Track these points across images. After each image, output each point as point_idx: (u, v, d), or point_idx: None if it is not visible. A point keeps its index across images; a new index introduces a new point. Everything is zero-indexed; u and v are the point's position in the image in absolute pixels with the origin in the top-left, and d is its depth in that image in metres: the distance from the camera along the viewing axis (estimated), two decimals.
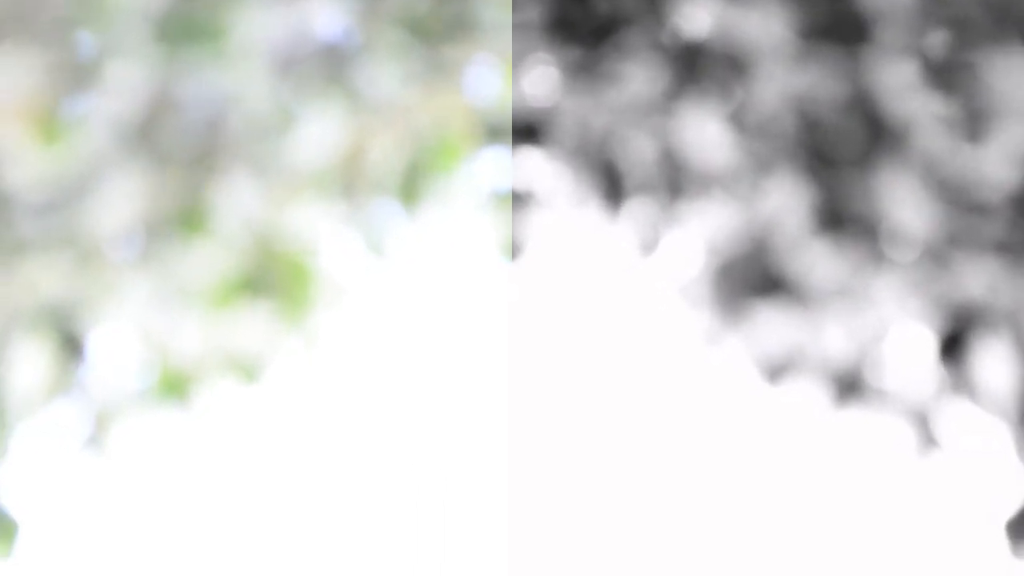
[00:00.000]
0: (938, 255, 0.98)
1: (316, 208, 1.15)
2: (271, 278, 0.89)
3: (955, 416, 1.08)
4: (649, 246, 1.33)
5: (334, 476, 1.92)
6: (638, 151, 1.10)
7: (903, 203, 0.92)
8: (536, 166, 1.37)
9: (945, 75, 1.02)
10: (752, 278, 0.90)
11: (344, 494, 1.90)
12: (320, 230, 1.29)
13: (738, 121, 0.96)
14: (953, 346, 1.00)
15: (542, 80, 1.34)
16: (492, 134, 1.29)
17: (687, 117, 0.97)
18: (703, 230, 1.30)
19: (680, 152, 1.10)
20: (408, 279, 1.41)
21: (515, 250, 1.30)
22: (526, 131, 1.30)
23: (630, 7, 1.12)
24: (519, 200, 1.27)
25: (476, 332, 1.84)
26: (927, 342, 1.01)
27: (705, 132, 0.96)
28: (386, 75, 1.09)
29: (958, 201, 0.97)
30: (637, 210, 1.03)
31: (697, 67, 1.08)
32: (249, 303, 0.87)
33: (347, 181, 1.06)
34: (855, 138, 0.97)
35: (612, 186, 1.03)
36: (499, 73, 1.01)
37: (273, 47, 1.01)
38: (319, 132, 0.96)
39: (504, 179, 1.29)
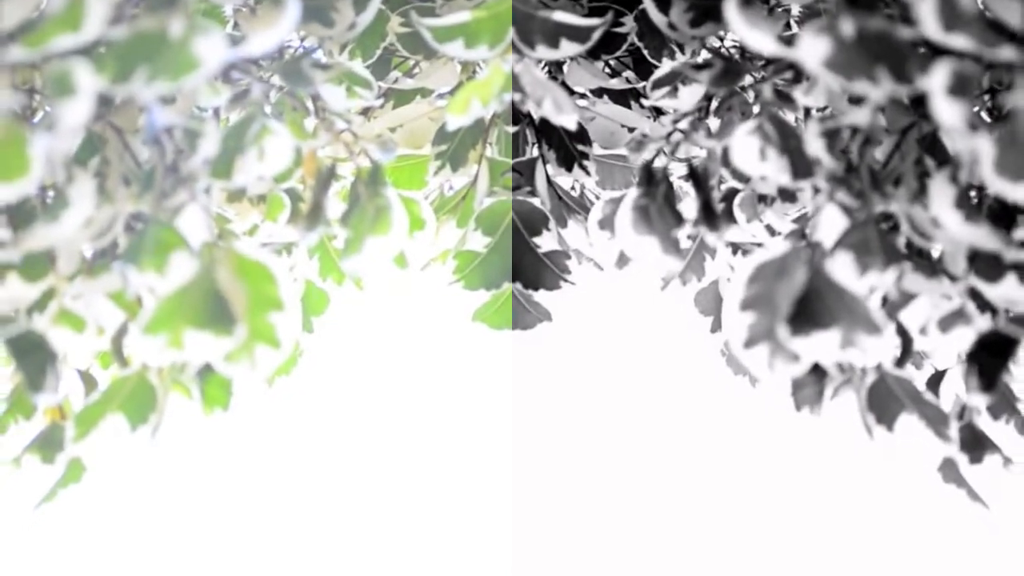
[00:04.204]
0: (984, 273, 0.96)
1: (276, 226, 1.13)
2: (231, 295, 0.86)
3: (998, 437, 1.06)
4: (689, 273, 1.30)
5: (311, 494, 1.91)
6: (682, 176, 1.08)
7: (951, 219, 0.90)
8: (575, 189, 1.35)
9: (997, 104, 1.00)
10: (794, 299, 0.88)
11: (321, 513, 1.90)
12: (281, 249, 1.27)
13: (787, 144, 0.94)
14: (996, 365, 0.98)
15: (585, 107, 1.32)
16: (454, 157, 1.27)
17: (734, 140, 0.94)
18: (746, 253, 1.28)
19: (725, 175, 1.09)
20: (372, 298, 1.39)
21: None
22: (566, 158, 1.28)
23: (678, 30, 1.10)
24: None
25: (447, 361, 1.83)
26: (970, 361, 0.99)
27: (752, 155, 0.94)
28: (348, 97, 1.07)
29: (1007, 220, 0.95)
30: (681, 236, 1.01)
31: (744, 90, 1.06)
32: (209, 320, 0.85)
33: (308, 200, 1.04)
34: (907, 159, 0.95)
35: (659, 212, 1.01)
36: (463, 97, 0.98)
37: (232, 65, 1.00)
38: (280, 151, 0.95)
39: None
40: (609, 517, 1.89)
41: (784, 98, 1.02)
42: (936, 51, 0.83)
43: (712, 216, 1.01)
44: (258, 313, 0.87)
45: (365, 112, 1.34)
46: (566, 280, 1.25)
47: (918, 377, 1.07)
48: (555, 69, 1.33)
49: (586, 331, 1.29)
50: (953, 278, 0.98)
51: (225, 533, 1.89)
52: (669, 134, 1.06)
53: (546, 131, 1.30)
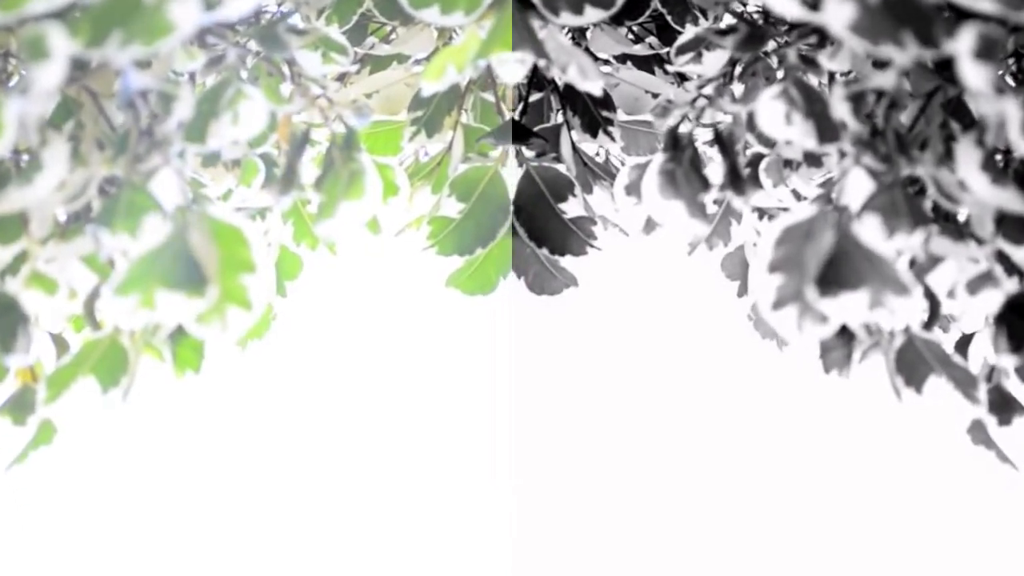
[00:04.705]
0: (1011, 236, 0.96)
1: (250, 191, 1.14)
2: (203, 256, 0.87)
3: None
4: (716, 238, 1.30)
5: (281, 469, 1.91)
6: (707, 141, 1.08)
7: (977, 182, 0.90)
8: (599, 155, 1.35)
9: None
10: (822, 261, 0.88)
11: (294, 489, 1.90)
12: (255, 213, 1.27)
13: (812, 108, 0.94)
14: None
15: (609, 73, 1.32)
16: (430, 123, 1.27)
17: (759, 105, 0.95)
18: (772, 218, 1.28)
19: (751, 140, 1.09)
20: (350, 265, 1.39)
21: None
22: (591, 124, 1.28)
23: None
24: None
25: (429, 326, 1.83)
26: (998, 323, 0.99)
27: (778, 120, 0.94)
28: (324, 63, 1.08)
29: None
30: (708, 200, 1.01)
31: (768, 55, 1.06)
32: (181, 281, 0.85)
33: (282, 165, 1.05)
34: (933, 123, 0.95)
35: (685, 177, 1.01)
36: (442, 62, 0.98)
37: (208, 30, 1.00)
38: (254, 116, 0.95)
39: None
40: (626, 491, 1.89)
41: (809, 62, 1.02)
42: (961, 14, 0.83)
43: (738, 181, 1.02)
44: (230, 275, 0.87)
45: (341, 78, 1.34)
46: (592, 246, 1.25)
47: (946, 340, 1.07)
48: (579, 35, 1.33)
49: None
50: (980, 241, 0.98)
51: (196, 511, 1.90)
52: (694, 100, 1.06)
53: (571, 97, 1.30)
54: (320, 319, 1.84)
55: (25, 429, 1.02)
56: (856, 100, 0.93)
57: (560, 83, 1.29)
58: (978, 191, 0.90)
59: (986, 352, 1.05)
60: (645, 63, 1.39)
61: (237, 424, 1.91)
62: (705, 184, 1.02)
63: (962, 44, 0.80)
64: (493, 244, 1.25)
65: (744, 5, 1.26)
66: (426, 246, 1.25)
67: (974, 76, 0.80)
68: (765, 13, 1.20)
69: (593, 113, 1.29)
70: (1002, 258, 0.98)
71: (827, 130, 0.94)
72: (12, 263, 0.97)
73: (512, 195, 1.25)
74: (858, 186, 0.91)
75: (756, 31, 1.04)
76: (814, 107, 0.95)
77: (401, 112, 1.31)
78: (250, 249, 0.88)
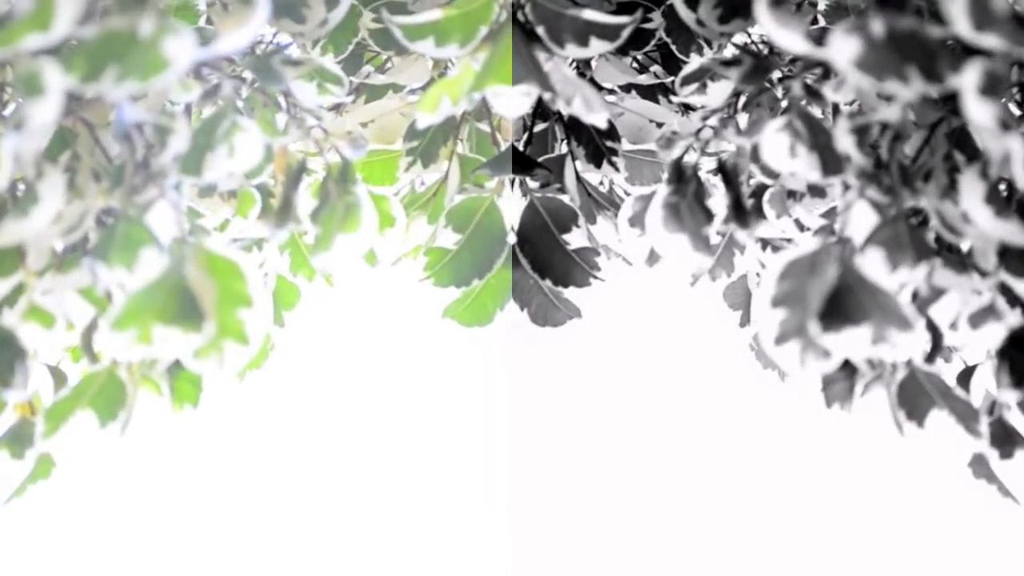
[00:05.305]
0: (1014, 268, 0.96)
1: (247, 222, 1.14)
2: (200, 291, 0.87)
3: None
4: (719, 269, 1.30)
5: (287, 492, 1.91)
6: (710, 170, 1.08)
7: (981, 215, 0.90)
8: (603, 184, 1.35)
9: None
10: (825, 296, 0.88)
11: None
12: (252, 244, 1.27)
13: (817, 140, 0.94)
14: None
15: (613, 102, 1.32)
16: (425, 153, 1.27)
17: (764, 137, 0.95)
18: (775, 249, 1.28)
19: (754, 171, 1.09)
20: (347, 296, 1.39)
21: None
22: (596, 155, 1.28)
23: (704, 26, 1.11)
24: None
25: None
26: (1001, 356, 0.99)
27: (782, 152, 0.94)
28: (319, 94, 1.08)
29: None
30: (711, 232, 1.01)
31: (773, 85, 1.06)
32: (178, 316, 0.86)
33: (278, 197, 1.05)
34: (937, 154, 0.95)
35: (689, 210, 1.01)
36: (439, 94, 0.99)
37: (203, 62, 1.00)
38: (250, 148, 0.95)
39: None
40: (624, 517, 1.89)
41: (813, 94, 1.02)
42: (966, 48, 0.83)
43: (742, 213, 1.02)
44: (227, 309, 0.88)
45: (336, 107, 1.34)
46: (596, 277, 1.25)
47: (948, 372, 1.07)
48: (583, 65, 1.33)
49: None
50: (983, 273, 0.98)
51: (200, 533, 1.89)
52: (698, 131, 1.06)
53: (575, 128, 1.30)
54: (318, 349, 1.84)
55: (23, 463, 1.02)
56: (860, 132, 0.93)
57: (565, 114, 1.29)
58: (982, 224, 0.90)
59: (988, 384, 1.05)
60: (650, 92, 1.39)
61: (236, 450, 1.91)
62: (709, 217, 1.03)
63: (967, 80, 0.81)
64: (490, 275, 1.24)
65: (749, 36, 1.26)
66: (423, 277, 1.25)
67: (979, 112, 0.81)
68: (770, 44, 1.20)
69: (597, 143, 1.30)
70: (1005, 290, 0.98)
71: (831, 162, 0.94)
72: (9, 295, 0.97)
73: (509, 226, 1.25)
74: (862, 219, 0.91)
75: (761, 63, 1.04)
76: (818, 139, 0.95)
77: (397, 141, 1.31)
78: (247, 283, 0.88)
